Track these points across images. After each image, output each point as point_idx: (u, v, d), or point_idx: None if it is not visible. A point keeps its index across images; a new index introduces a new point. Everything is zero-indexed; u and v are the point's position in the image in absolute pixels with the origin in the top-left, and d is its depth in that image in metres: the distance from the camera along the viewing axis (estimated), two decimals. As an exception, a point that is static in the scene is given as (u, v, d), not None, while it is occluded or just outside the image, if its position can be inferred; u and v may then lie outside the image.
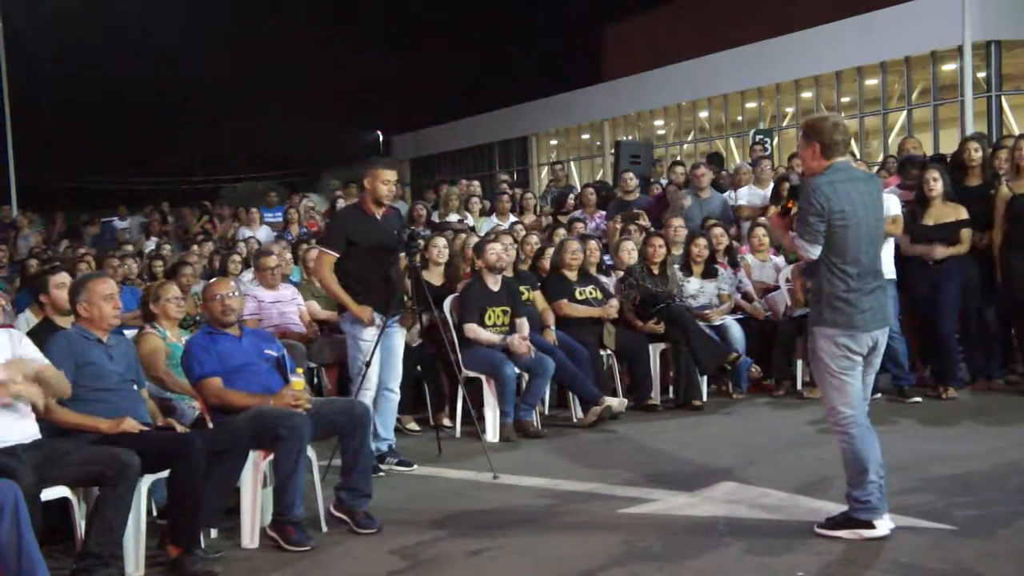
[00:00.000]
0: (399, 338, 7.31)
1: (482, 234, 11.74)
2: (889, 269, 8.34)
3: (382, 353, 7.07)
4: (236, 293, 6.31)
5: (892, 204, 8.64)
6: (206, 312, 6.27)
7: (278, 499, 5.64)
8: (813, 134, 5.35)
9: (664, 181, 14.16)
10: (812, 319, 5.38)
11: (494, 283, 8.61)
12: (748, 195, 11.90)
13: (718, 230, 10.45)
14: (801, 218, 5.25)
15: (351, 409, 6.08)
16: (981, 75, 27.72)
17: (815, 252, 5.24)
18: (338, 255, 7.06)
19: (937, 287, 8.74)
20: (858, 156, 15.26)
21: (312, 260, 9.51)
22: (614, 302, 9.29)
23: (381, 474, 7.03)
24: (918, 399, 8.69)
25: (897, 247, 8.77)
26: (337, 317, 8.73)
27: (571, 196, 14.47)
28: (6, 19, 31.33)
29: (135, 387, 5.76)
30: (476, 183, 15.81)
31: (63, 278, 6.57)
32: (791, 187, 5.75)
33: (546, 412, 8.97)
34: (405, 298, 7.26)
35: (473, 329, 8.41)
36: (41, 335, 6.07)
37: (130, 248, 13.42)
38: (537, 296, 9.14)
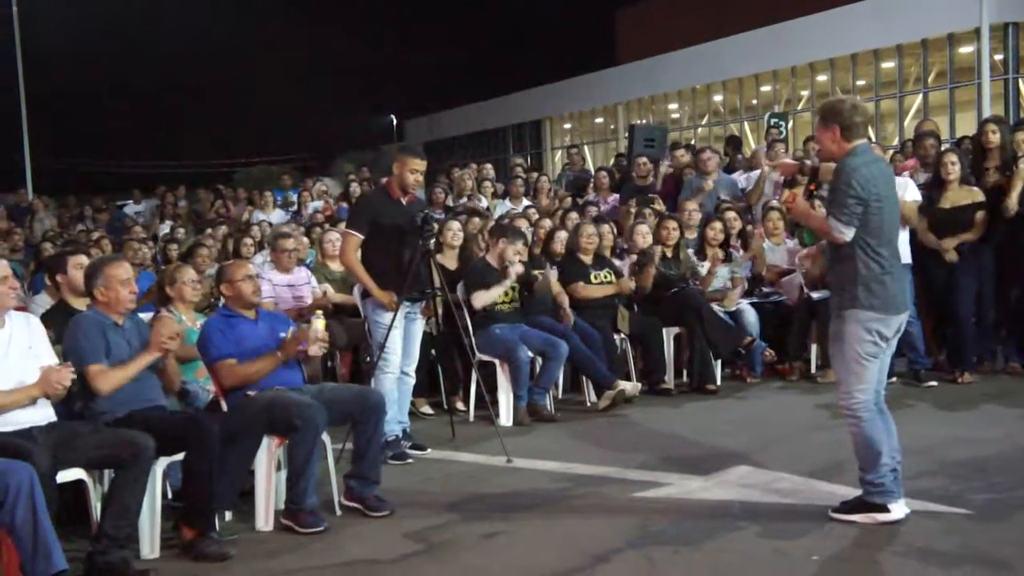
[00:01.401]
0: (419, 325, 7.32)
1: (496, 217, 11.74)
2: (905, 254, 8.31)
3: (402, 337, 7.08)
4: (255, 275, 6.36)
5: (910, 190, 8.60)
6: (232, 294, 6.22)
7: (291, 488, 5.65)
8: (832, 116, 5.28)
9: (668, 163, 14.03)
10: (842, 303, 5.29)
11: (499, 263, 8.59)
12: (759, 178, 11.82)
13: (731, 214, 10.41)
14: (838, 200, 5.16)
15: (366, 398, 6.09)
16: (998, 57, 27.57)
17: (850, 234, 5.17)
18: (363, 236, 7.06)
19: (953, 271, 8.71)
20: (874, 139, 15.14)
21: (328, 243, 9.54)
22: (631, 283, 9.29)
23: (409, 461, 7.04)
24: (934, 383, 8.67)
25: (913, 231, 8.72)
26: (349, 300, 8.77)
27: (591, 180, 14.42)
28: (22, 6, 31.43)
29: (152, 371, 5.75)
30: (489, 166, 15.79)
31: (81, 259, 6.54)
32: (812, 168, 5.68)
33: (560, 396, 8.96)
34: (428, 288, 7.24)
35: (479, 296, 8.40)
36: (57, 317, 6.10)
37: (140, 231, 13.40)
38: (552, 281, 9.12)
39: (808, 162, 5.68)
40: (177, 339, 5.56)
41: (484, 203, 13.29)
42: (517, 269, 8.42)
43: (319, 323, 6.05)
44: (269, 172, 37.44)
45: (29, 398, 5.06)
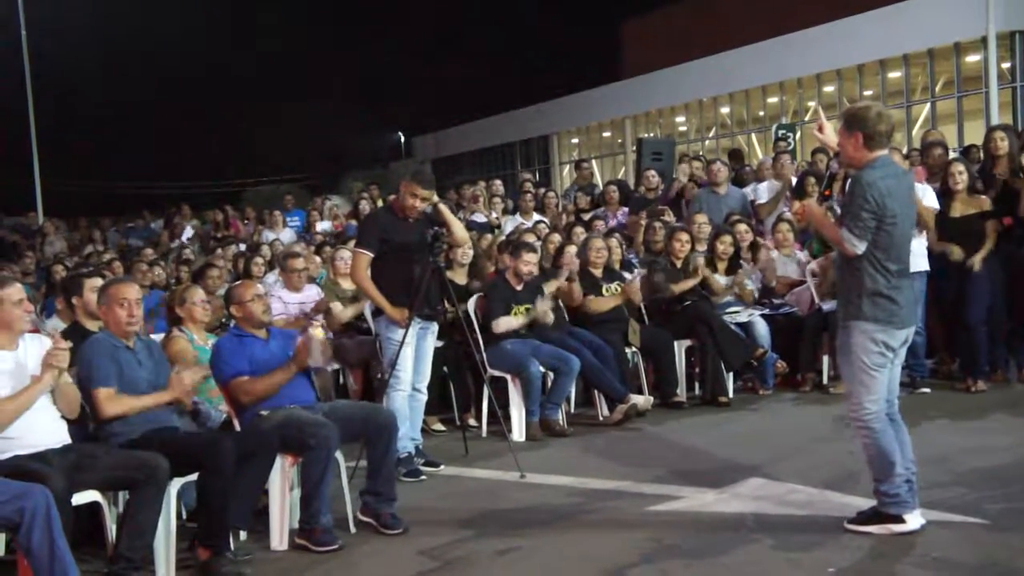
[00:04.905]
0: (431, 340, 7.33)
1: (507, 233, 11.76)
2: (922, 261, 8.32)
3: (414, 354, 7.09)
4: (264, 293, 6.39)
5: (929, 197, 8.61)
6: (242, 314, 6.25)
7: (305, 507, 5.67)
8: (856, 123, 5.22)
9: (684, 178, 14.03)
10: (848, 314, 5.29)
11: (517, 282, 8.62)
12: (768, 190, 11.83)
13: (742, 226, 10.40)
14: (852, 213, 5.13)
15: (377, 415, 6.11)
16: (1005, 66, 27.51)
17: (862, 248, 5.15)
18: (373, 255, 7.08)
19: (965, 279, 8.68)
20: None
21: (340, 260, 9.56)
22: (635, 282, 9.29)
23: (423, 478, 7.04)
24: (927, 390, 8.72)
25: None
26: (359, 308, 8.79)
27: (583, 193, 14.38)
28: (29, 29, 31.61)
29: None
30: (498, 182, 15.83)
31: (97, 282, 6.56)
32: (829, 175, 5.65)
33: (572, 410, 8.95)
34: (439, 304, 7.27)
35: (499, 323, 8.42)
36: (70, 339, 6.10)
37: (150, 253, 13.45)
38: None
39: (828, 169, 5.62)
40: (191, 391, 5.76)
41: (494, 215, 13.31)
42: (548, 320, 8.45)
43: (317, 332, 6.05)
44: (277, 191, 37.56)
45: (38, 392, 5.06)
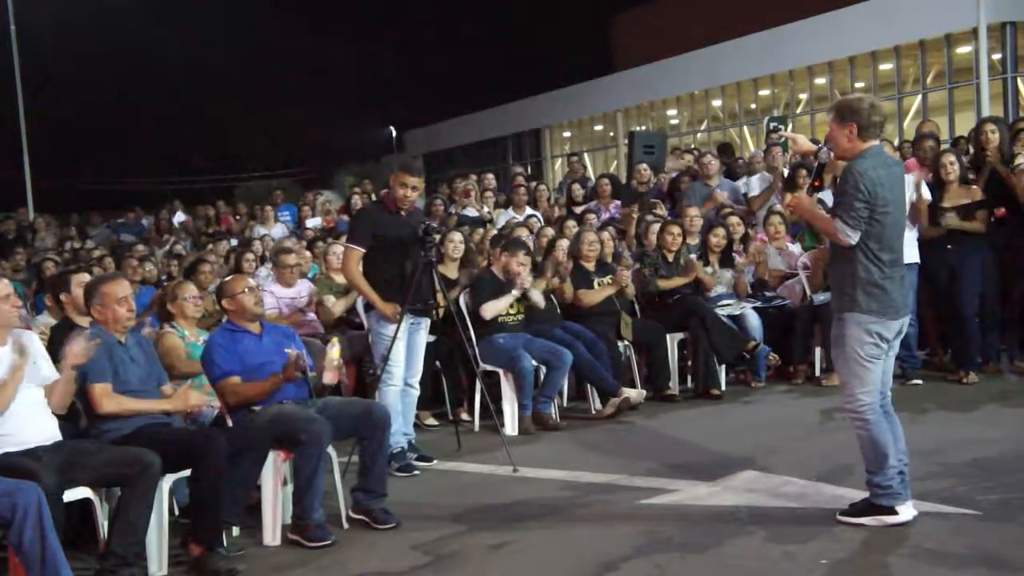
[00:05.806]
0: (422, 335, 7.32)
1: (499, 227, 11.76)
2: (912, 253, 8.32)
3: (405, 349, 7.09)
4: (255, 286, 6.38)
5: (924, 191, 8.64)
6: (234, 308, 6.23)
7: (297, 502, 5.66)
8: (849, 114, 5.23)
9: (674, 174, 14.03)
10: (842, 305, 5.29)
11: (504, 276, 8.60)
12: (760, 182, 11.83)
13: (734, 219, 10.41)
14: (845, 203, 5.14)
15: (370, 412, 6.09)
16: (996, 57, 27.54)
17: (856, 238, 5.15)
18: (364, 250, 7.07)
19: (957, 270, 8.69)
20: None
21: (333, 255, 9.55)
22: (626, 272, 9.30)
23: (415, 473, 7.04)
24: (919, 381, 8.71)
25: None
26: (346, 307, 8.79)
27: (579, 185, 14.34)
28: (20, 26, 31.49)
29: (156, 388, 5.76)
30: (490, 176, 15.79)
31: (84, 277, 6.56)
32: (819, 164, 5.63)
33: (564, 404, 8.94)
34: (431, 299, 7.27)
35: (489, 307, 8.40)
36: (62, 334, 6.10)
37: (141, 249, 13.42)
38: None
39: (825, 149, 5.59)
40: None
41: (486, 210, 13.29)
42: (525, 281, 8.44)
43: (335, 351, 6.04)
44: (269, 186, 37.55)
45: (16, 379, 5.05)
